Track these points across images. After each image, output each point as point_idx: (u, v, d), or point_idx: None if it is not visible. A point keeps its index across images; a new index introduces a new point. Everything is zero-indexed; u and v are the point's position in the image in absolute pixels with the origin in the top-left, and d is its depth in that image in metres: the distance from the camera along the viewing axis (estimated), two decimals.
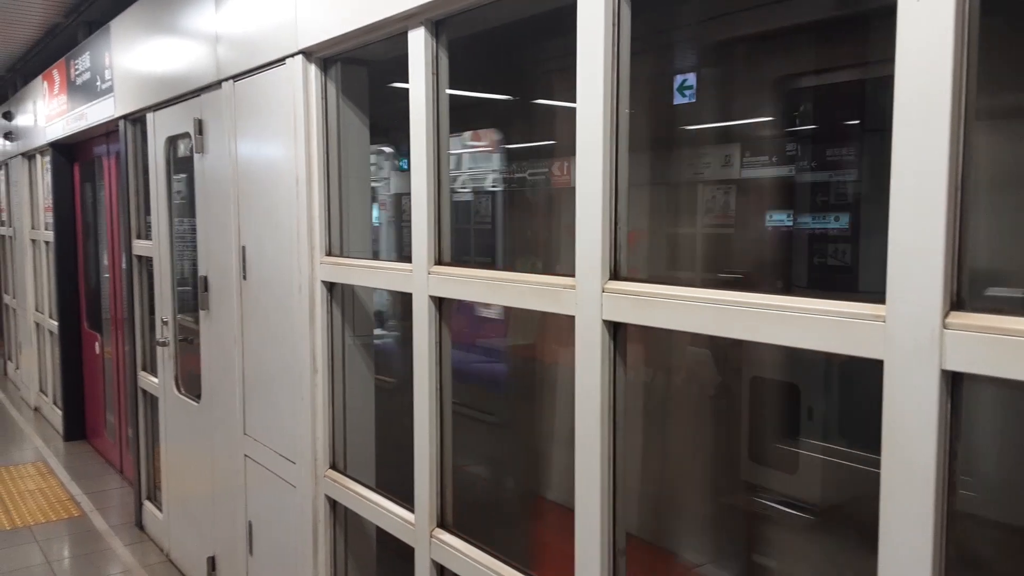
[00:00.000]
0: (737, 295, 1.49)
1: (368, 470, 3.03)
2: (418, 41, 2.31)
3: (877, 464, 1.24)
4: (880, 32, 2.07)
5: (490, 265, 4.31)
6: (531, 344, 3.66)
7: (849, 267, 2.35)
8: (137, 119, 4.73)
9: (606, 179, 1.74)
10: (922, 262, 1.17)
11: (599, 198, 1.74)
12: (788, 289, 2.54)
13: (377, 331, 3.94)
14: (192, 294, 4.08)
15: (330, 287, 2.94)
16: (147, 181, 4.59)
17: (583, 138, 1.77)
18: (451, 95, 2.34)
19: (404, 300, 2.59)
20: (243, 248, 3.40)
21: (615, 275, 1.77)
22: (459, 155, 4.65)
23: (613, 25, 1.72)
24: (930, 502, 1.19)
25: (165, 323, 4.39)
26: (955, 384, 1.19)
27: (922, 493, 1.19)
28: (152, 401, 4.80)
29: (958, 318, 1.16)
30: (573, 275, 1.83)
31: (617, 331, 1.78)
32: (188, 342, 4.26)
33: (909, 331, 1.20)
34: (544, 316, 3.05)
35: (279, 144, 3.06)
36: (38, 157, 7.55)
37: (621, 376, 1.79)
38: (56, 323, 7.15)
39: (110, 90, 4.99)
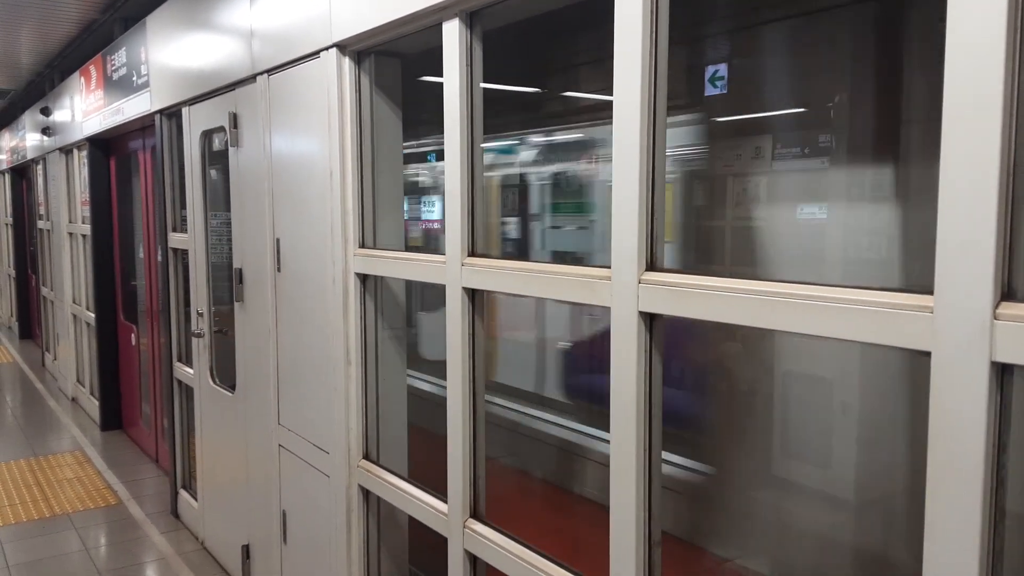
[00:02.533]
0: (778, 286, 1.47)
1: (401, 460, 3.05)
2: (452, 33, 2.31)
3: None
4: None
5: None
6: None
7: None
8: (173, 113, 4.79)
9: (642, 170, 1.73)
10: (972, 251, 1.15)
11: (635, 189, 1.73)
12: None
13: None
14: (227, 286, 4.13)
15: (363, 279, 2.96)
16: (182, 175, 4.65)
17: (619, 129, 1.76)
18: None
19: None
20: (277, 241, 3.44)
21: (651, 266, 1.75)
22: None
23: (651, 14, 1.70)
24: (978, 495, 1.17)
25: (200, 315, 4.45)
26: (1004, 376, 1.17)
27: (970, 486, 1.17)
28: (187, 391, 4.88)
29: (1009, 308, 1.13)
30: (609, 266, 1.82)
31: (653, 322, 1.77)
32: (223, 333, 4.31)
33: (958, 322, 1.17)
34: None
35: (313, 137, 3.08)
36: (75, 152, 7.69)
37: (657, 367, 1.78)
38: (93, 315, 7.28)
39: (146, 85, 5.06)
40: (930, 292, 1.22)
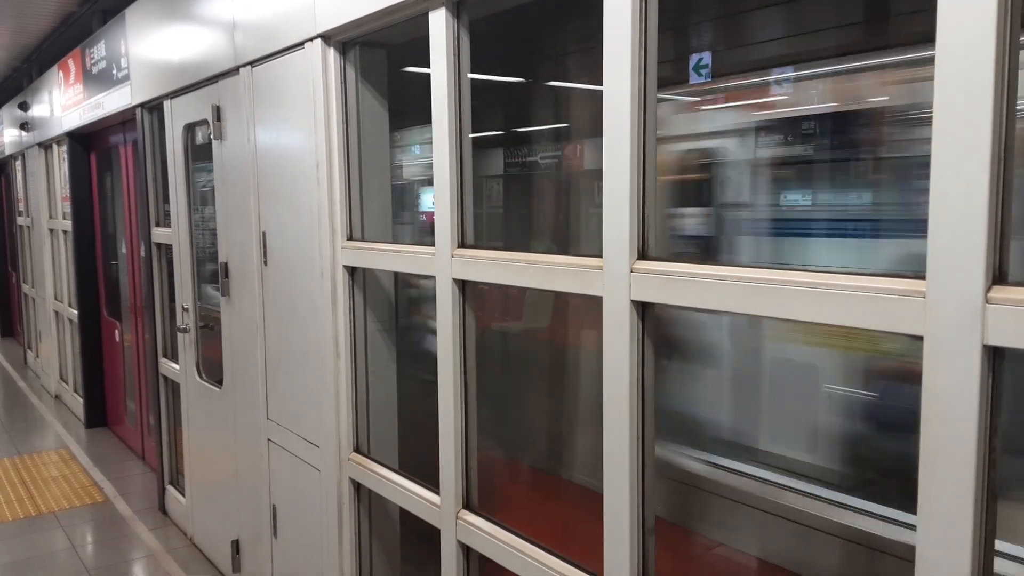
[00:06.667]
0: (770, 272, 1.48)
1: (391, 453, 3.05)
2: (439, 22, 2.29)
3: None
4: None
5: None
6: None
7: None
8: (154, 107, 4.74)
9: (634, 159, 1.73)
10: (964, 236, 1.16)
11: (627, 178, 1.73)
12: None
13: None
14: (213, 280, 4.10)
15: (351, 272, 2.95)
16: (165, 169, 4.60)
17: (610, 118, 1.75)
18: None
19: None
20: (263, 234, 3.41)
21: (643, 255, 1.76)
22: None
23: (640, 2, 1.70)
24: (971, 477, 1.18)
25: (186, 310, 4.41)
26: (996, 359, 1.18)
27: (963, 469, 1.18)
28: (174, 387, 4.84)
29: (1001, 292, 1.14)
30: (600, 256, 1.82)
31: (645, 311, 1.77)
32: (209, 328, 4.28)
33: (950, 306, 1.18)
34: None
35: (298, 129, 3.06)
36: (55, 147, 7.59)
37: (650, 356, 1.79)
38: (75, 311, 7.21)
39: (126, 78, 4.99)
40: (922, 277, 1.23)
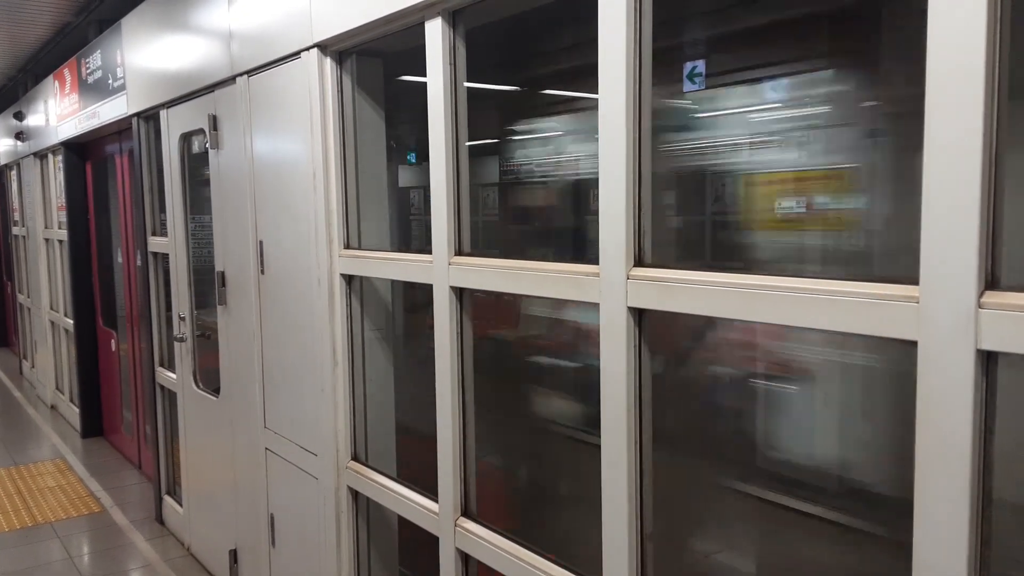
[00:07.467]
0: (765, 279, 1.49)
1: (389, 461, 3.05)
2: (435, 32, 2.31)
3: None
4: None
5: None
6: None
7: None
8: (150, 116, 4.75)
9: (630, 166, 1.74)
10: (956, 241, 1.17)
11: (623, 185, 1.74)
12: None
13: None
14: (209, 290, 4.10)
15: (349, 280, 2.95)
16: (161, 178, 4.61)
17: (606, 124, 1.77)
18: None
19: None
20: (260, 243, 3.42)
21: (639, 262, 1.77)
22: None
23: (635, 12, 1.71)
24: (966, 481, 1.19)
25: (182, 319, 4.41)
26: (990, 363, 1.19)
27: (958, 473, 1.19)
28: (170, 396, 4.84)
29: (993, 297, 1.15)
30: (597, 263, 1.83)
31: (642, 318, 1.78)
32: (206, 337, 4.28)
33: (943, 311, 1.20)
34: None
35: (295, 138, 3.07)
36: (50, 156, 7.59)
37: (647, 362, 1.80)
38: (71, 321, 7.19)
39: (122, 88, 5.00)
40: (916, 282, 1.24)
